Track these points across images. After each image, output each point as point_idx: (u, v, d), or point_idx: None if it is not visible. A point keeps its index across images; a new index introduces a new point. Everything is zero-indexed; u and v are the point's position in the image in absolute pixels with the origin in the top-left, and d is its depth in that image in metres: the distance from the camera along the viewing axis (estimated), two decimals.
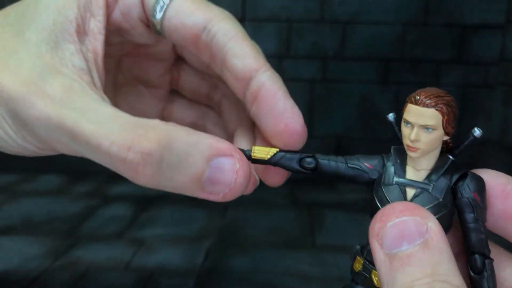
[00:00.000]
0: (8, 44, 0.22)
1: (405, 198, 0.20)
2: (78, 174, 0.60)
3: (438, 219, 0.17)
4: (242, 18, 0.58)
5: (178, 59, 0.28)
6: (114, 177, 0.59)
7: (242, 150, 0.22)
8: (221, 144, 0.20)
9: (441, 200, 0.19)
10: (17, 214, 0.47)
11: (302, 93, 0.58)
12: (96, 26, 0.23)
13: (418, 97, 0.20)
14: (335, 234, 0.44)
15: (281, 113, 0.23)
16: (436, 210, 0.19)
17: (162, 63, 0.27)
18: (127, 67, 0.27)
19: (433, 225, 0.17)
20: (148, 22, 0.24)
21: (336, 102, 0.59)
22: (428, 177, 0.20)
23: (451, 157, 0.20)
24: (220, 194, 0.20)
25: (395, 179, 0.20)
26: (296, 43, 0.58)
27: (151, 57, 0.27)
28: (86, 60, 0.23)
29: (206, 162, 0.19)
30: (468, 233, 0.19)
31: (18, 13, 0.24)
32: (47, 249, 0.40)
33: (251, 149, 0.22)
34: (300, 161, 0.22)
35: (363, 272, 0.21)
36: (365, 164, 0.21)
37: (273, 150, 0.22)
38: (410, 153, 0.20)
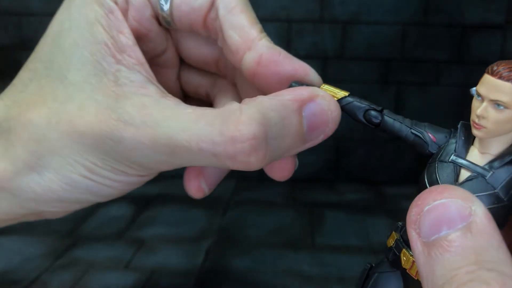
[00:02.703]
0: (57, 93, 0.21)
1: (456, 180, 0.17)
2: None
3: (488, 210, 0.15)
4: None
5: (182, 64, 0.28)
6: None
7: (303, 84, 0.21)
8: (301, 92, 0.20)
9: (496, 191, 0.17)
10: None
11: None
12: (129, 39, 0.23)
13: (496, 67, 0.17)
14: (335, 234, 0.44)
15: (291, 74, 0.22)
16: (488, 201, 0.17)
17: (172, 69, 0.28)
18: None
19: (478, 208, 0.14)
20: (158, 18, 0.24)
21: None
22: (491, 163, 0.17)
23: None
24: (320, 136, 0.21)
25: (452, 157, 0.18)
26: (296, 43, 0.58)
27: (162, 66, 0.27)
28: (139, 72, 0.22)
29: (299, 115, 0.20)
30: None
31: (45, 62, 0.23)
32: (47, 249, 0.40)
33: (320, 87, 0.22)
34: (366, 112, 0.21)
35: (394, 249, 0.20)
36: (429, 134, 0.19)
37: (342, 93, 0.21)
38: (474, 131, 0.17)
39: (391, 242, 0.20)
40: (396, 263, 0.19)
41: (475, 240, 0.14)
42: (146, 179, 0.23)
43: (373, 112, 0.21)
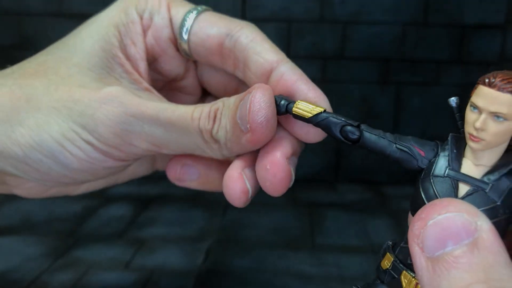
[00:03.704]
0: (59, 69, 0.23)
1: (456, 195, 0.17)
2: None
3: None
4: (242, 18, 0.57)
5: (204, 94, 0.30)
6: None
7: (287, 99, 0.21)
8: (255, 85, 0.21)
9: (498, 203, 0.16)
10: (17, 214, 0.47)
11: None
12: (138, 53, 0.25)
13: (493, 79, 0.16)
14: (335, 234, 0.44)
15: (304, 97, 0.22)
16: (491, 214, 0.16)
17: (192, 97, 0.29)
18: None
19: (484, 223, 0.14)
20: (176, 43, 0.26)
21: (336, 102, 0.59)
22: (487, 174, 0.17)
23: None
24: (247, 127, 0.21)
25: (448, 171, 0.17)
26: (296, 43, 0.58)
27: (182, 91, 0.29)
28: (139, 83, 0.24)
29: (239, 101, 0.21)
30: None
31: (59, 44, 0.25)
32: (47, 249, 0.40)
33: (295, 102, 0.21)
34: (342, 128, 0.20)
35: (391, 271, 0.19)
36: (417, 149, 0.18)
37: (318, 109, 0.20)
38: (471, 144, 0.17)
39: (386, 264, 0.19)
40: (393, 285, 0.19)
41: (482, 257, 0.13)
42: (111, 164, 0.24)
43: (349, 128, 0.20)
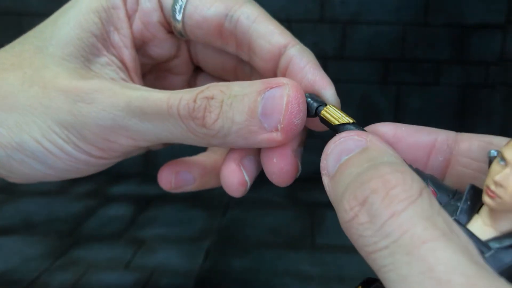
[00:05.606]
0: (34, 60, 0.22)
1: None
2: None
3: None
4: None
5: (196, 70, 0.28)
6: (114, 177, 0.59)
7: (316, 100, 0.21)
8: (276, 79, 0.20)
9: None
10: (17, 214, 0.47)
11: None
12: (121, 40, 0.23)
13: None
14: (335, 234, 0.44)
15: (310, 84, 0.22)
16: None
17: (182, 76, 0.28)
18: (149, 84, 0.27)
19: (373, 138, 0.16)
20: (168, 26, 0.24)
21: None
22: (494, 240, 0.15)
23: None
24: (277, 126, 0.20)
25: (452, 217, 0.15)
26: None
27: (171, 72, 0.27)
28: (121, 71, 0.23)
29: (258, 95, 0.20)
30: None
31: (37, 32, 0.24)
32: (47, 249, 0.40)
33: (326, 105, 0.20)
34: None
35: None
36: (430, 188, 0.17)
37: (346, 119, 0.20)
38: (485, 199, 0.15)
39: None
40: None
41: (368, 154, 0.15)
42: (95, 162, 0.23)
43: None
